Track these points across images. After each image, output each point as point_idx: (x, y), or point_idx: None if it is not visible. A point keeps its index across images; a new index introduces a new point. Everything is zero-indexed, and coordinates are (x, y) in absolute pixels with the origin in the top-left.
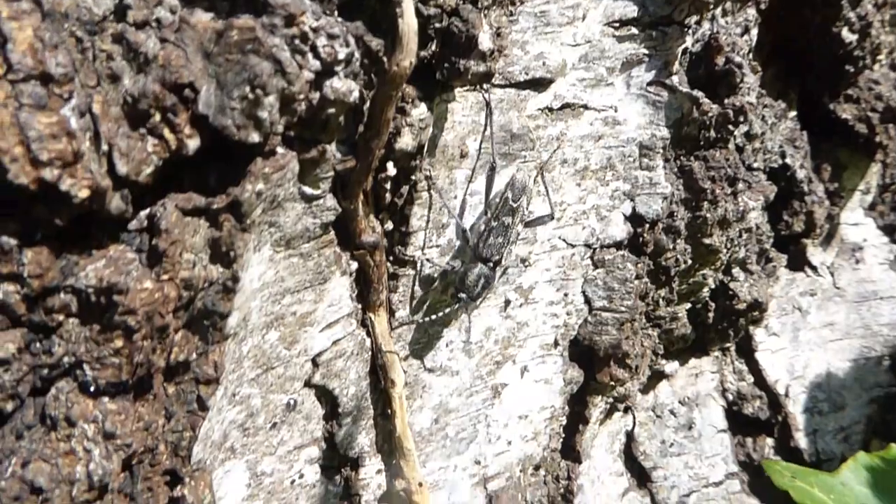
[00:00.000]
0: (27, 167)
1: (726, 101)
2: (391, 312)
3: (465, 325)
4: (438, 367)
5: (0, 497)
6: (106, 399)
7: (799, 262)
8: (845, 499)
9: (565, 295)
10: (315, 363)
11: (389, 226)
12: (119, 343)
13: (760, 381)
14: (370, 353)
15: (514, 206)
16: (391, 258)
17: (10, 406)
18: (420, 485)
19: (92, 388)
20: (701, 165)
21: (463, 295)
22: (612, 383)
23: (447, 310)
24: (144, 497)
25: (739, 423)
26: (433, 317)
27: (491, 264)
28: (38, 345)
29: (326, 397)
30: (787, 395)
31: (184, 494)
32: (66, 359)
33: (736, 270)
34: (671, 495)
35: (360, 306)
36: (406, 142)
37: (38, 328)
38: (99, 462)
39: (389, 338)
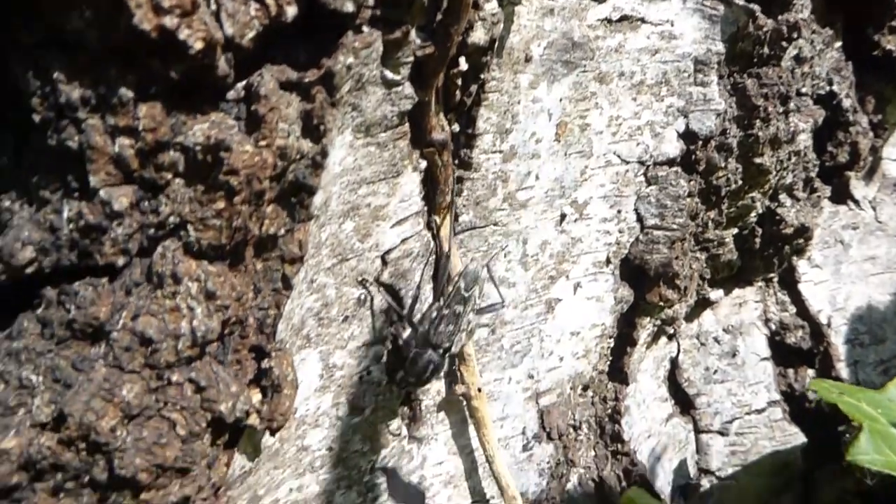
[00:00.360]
0: (150, 14)
1: (780, 17)
2: (455, 216)
3: (523, 237)
4: (496, 278)
5: (113, 347)
6: (206, 262)
7: (842, 195)
8: (892, 413)
9: (618, 212)
10: (384, 261)
11: (456, 128)
12: (221, 205)
13: (803, 311)
14: (434, 256)
15: (466, 295)
16: (456, 161)
17: (121, 261)
18: (479, 390)
19: (195, 249)
20: (754, 83)
21: (412, 380)
22: (661, 304)
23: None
24: (234, 368)
25: (781, 353)
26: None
27: (441, 351)
28: (146, 203)
29: (394, 297)
30: (829, 325)
31: (271, 366)
32: (171, 219)
33: (783, 196)
34: (714, 422)
35: (426, 207)
36: (479, 36)
37: (147, 186)
38: (202, 320)
39: (453, 241)
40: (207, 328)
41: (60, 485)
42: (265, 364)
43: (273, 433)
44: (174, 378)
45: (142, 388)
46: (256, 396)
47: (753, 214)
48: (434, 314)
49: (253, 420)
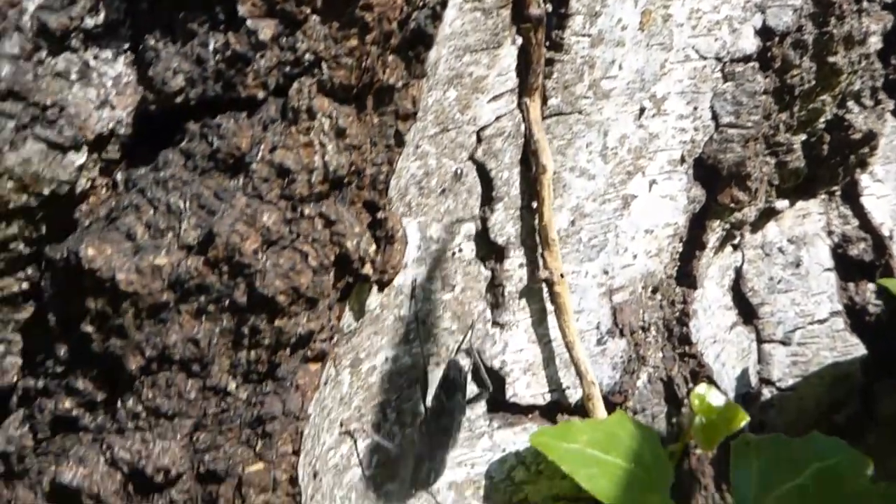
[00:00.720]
0: None
1: None
2: (544, 99)
3: (604, 129)
4: (577, 168)
5: (252, 177)
6: (337, 103)
7: None
8: None
9: (695, 109)
10: (479, 138)
11: (549, 7)
12: (353, 42)
13: (865, 224)
14: (523, 139)
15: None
16: (547, 42)
17: (261, 94)
18: (562, 276)
19: (327, 87)
20: None
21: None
22: (732, 205)
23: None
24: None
25: (843, 265)
26: None
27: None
28: (284, 40)
29: (484, 178)
30: (891, 238)
31: (385, 217)
32: (307, 56)
33: (850, 103)
34: (777, 331)
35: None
36: None
37: (287, 20)
38: (333, 155)
39: (541, 124)
40: (338, 164)
41: (203, 307)
42: (380, 215)
43: (382, 287)
44: (306, 211)
45: (279, 218)
46: (371, 247)
47: (822, 120)
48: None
49: (367, 269)
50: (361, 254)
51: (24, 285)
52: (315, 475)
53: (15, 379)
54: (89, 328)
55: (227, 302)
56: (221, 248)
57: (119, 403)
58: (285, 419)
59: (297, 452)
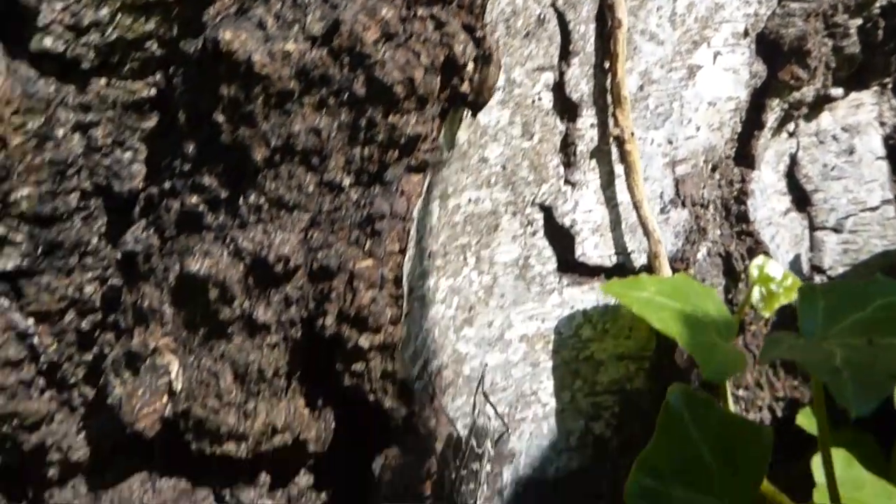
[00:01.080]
0: None
1: None
2: None
3: None
4: (647, 32)
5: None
6: None
7: None
8: None
9: None
10: None
11: None
12: None
13: None
14: None
15: (479, 451)
16: None
17: None
18: (632, 134)
19: None
20: None
21: None
22: (792, 82)
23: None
24: None
25: (894, 158)
26: None
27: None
28: None
29: (563, 29)
30: None
31: (484, 36)
32: None
33: None
34: (829, 218)
35: None
36: None
37: None
38: None
39: None
40: None
41: (325, 98)
42: (478, 34)
43: (475, 111)
44: (420, 12)
45: (396, 14)
46: (470, 63)
47: (878, 4)
48: (453, 475)
49: (465, 87)
50: (466, 59)
51: (153, 91)
52: (410, 292)
53: (140, 186)
54: (220, 118)
55: (346, 95)
56: (345, 36)
57: (241, 200)
58: (392, 220)
59: (403, 251)
